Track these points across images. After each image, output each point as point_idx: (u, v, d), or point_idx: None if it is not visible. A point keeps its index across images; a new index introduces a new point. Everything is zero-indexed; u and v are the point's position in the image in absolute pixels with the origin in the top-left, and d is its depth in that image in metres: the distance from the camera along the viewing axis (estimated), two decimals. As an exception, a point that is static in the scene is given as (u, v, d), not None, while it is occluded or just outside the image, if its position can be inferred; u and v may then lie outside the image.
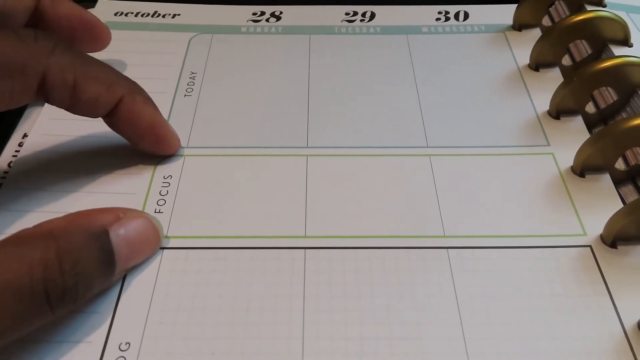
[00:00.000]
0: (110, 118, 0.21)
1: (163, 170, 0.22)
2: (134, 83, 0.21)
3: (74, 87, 0.19)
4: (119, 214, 0.18)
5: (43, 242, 0.15)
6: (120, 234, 0.17)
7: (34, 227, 0.17)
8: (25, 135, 0.23)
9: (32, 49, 0.18)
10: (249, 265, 0.19)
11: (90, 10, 0.30)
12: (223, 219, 0.20)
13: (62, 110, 0.20)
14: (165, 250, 0.19)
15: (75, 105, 0.20)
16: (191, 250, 0.19)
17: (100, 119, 0.21)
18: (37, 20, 0.23)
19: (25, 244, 0.15)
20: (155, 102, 0.22)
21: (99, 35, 0.25)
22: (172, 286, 0.18)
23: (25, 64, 0.18)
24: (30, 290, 0.15)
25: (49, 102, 0.20)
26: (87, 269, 0.16)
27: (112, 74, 0.20)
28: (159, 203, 0.21)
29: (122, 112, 0.20)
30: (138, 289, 0.18)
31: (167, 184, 0.21)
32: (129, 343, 0.17)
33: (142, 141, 0.21)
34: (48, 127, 0.23)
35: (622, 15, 0.26)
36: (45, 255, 0.15)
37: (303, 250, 0.19)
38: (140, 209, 0.20)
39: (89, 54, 0.21)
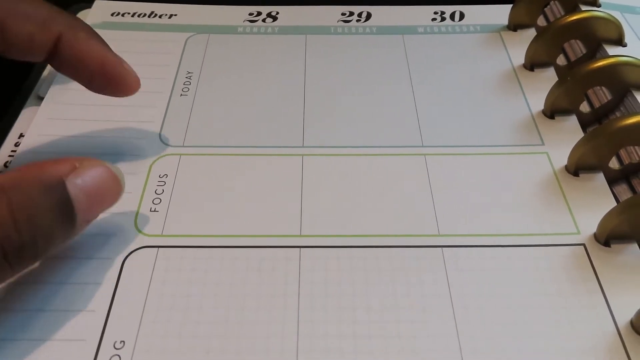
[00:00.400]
0: (52, 61, 0.19)
1: (159, 169, 0.22)
2: (75, 18, 0.19)
3: (1, 29, 0.18)
4: (75, 164, 0.16)
5: None
6: (77, 183, 0.16)
7: None
8: (21, 135, 0.23)
9: None
10: (244, 264, 0.19)
11: (87, 11, 0.30)
12: (218, 217, 0.20)
13: (59, 110, 0.19)
14: (160, 249, 0.19)
15: (9, 48, 0.18)
16: (186, 248, 0.19)
17: (96, 121, 0.20)
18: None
19: None
20: (147, 103, 0.21)
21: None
22: (167, 285, 0.18)
23: None
24: None
25: None
26: (44, 221, 0.15)
27: (46, 10, 0.19)
28: (155, 202, 0.21)
29: (63, 52, 0.19)
30: (133, 288, 0.18)
31: (163, 183, 0.21)
32: (123, 341, 0.17)
33: (92, 83, 0.20)
34: (44, 127, 0.23)
35: (617, 15, 0.26)
36: None
37: (298, 249, 0.20)
38: (136, 208, 0.21)
39: None
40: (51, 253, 0.17)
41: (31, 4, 0.18)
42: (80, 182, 0.16)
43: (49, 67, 0.27)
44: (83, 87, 0.21)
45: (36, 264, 0.16)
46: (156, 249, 0.19)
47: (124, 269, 0.19)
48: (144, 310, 0.18)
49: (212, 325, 0.17)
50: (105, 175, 0.17)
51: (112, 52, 0.20)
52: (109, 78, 0.20)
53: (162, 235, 0.20)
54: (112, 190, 0.18)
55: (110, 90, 0.20)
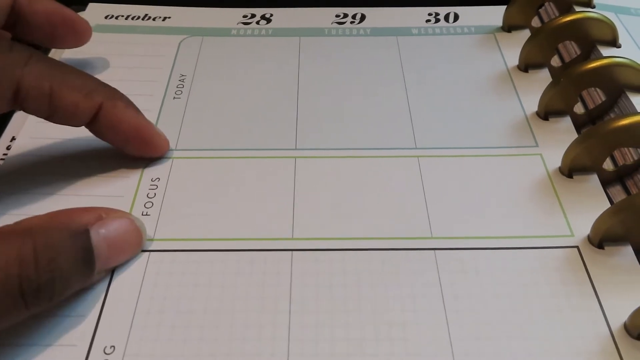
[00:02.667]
0: (92, 126, 0.21)
1: (151, 172, 0.22)
2: (113, 89, 0.21)
3: (50, 96, 0.19)
4: (101, 214, 0.18)
5: (21, 238, 0.15)
6: (101, 233, 0.17)
7: (15, 223, 0.17)
8: (13, 139, 0.23)
9: (7, 58, 0.18)
10: (236, 267, 0.19)
11: (81, 14, 0.30)
12: (210, 221, 0.20)
13: (43, 118, 0.20)
14: (151, 253, 0.19)
15: (54, 114, 0.20)
16: (178, 252, 0.19)
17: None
18: (15, 20, 0.23)
19: (3, 240, 0.15)
20: (143, 106, 0.22)
21: (78, 31, 0.25)
22: (158, 288, 0.18)
23: None
24: (4, 285, 0.15)
25: (26, 112, 0.20)
26: (64, 266, 0.16)
27: (89, 81, 0.20)
28: (147, 205, 0.21)
29: (103, 119, 0.20)
30: (124, 292, 0.18)
31: (155, 187, 0.21)
32: (113, 346, 0.17)
33: (128, 146, 0.21)
34: (36, 130, 0.23)
35: (611, 16, 0.26)
36: (22, 251, 0.15)
37: (290, 252, 0.19)
38: (128, 211, 0.20)
39: (70, 49, 0.21)
40: (66, 296, 0.17)
41: (79, 76, 0.20)
42: (104, 232, 0.17)
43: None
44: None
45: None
46: (147, 252, 0.19)
47: (115, 273, 0.19)
48: (134, 314, 0.18)
49: (202, 329, 0.17)
50: (128, 227, 0.18)
51: (146, 118, 0.22)
52: (142, 141, 0.21)
53: (153, 239, 0.20)
54: (133, 242, 0.19)
55: (143, 151, 0.22)
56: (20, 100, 0.19)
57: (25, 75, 0.19)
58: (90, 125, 0.21)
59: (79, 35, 0.25)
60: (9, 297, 0.15)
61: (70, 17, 0.24)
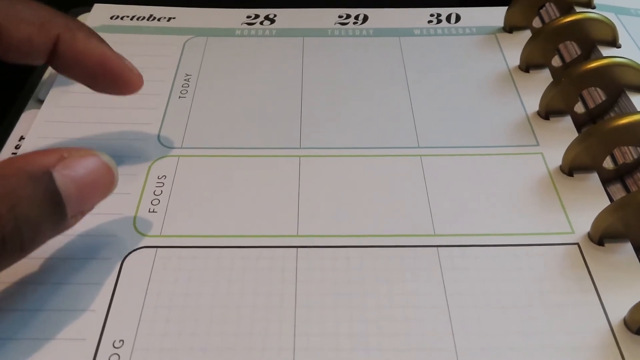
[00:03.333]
0: (54, 62, 0.19)
1: (157, 170, 0.22)
2: (71, 18, 0.19)
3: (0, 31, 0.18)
4: (63, 154, 0.16)
5: None
6: (65, 173, 0.16)
7: None
8: (22, 138, 0.24)
9: None
10: (242, 264, 0.19)
11: (86, 15, 0.30)
12: (216, 218, 0.21)
13: (59, 113, 0.20)
14: (159, 249, 0.20)
15: (8, 51, 0.18)
16: (185, 249, 0.20)
17: (95, 123, 0.20)
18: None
19: None
20: (149, 105, 0.21)
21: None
22: (165, 284, 0.19)
23: None
24: None
25: None
26: (29, 212, 0.15)
27: (42, 11, 0.19)
28: (153, 203, 0.21)
29: (63, 54, 0.19)
30: (132, 287, 0.18)
31: (162, 184, 0.22)
32: (122, 340, 0.17)
33: (95, 82, 0.20)
34: (44, 130, 0.24)
35: (611, 16, 0.27)
36: None
37: (295, 249, 0.20)
38: (135, 209, 0.21)
39: None
40: (40, 245, 0.16)
41: (29, 6, 0.18)
42: (69, 172, 0.16)
43: (49, 70, 0.27)
44: (82, 90, 0.21)
45: (25, 260, 0.16)
46: (155, 249, 0.20)
47: (123, 269, 0.19)
48: (142, 309, 0.18)
49: (209, 324, 0.18)
50: (96, 164, 0.17)
51: (112, 50, 0.20)
52: (110, 76, 0.20)
53: (160, 236, 0.20)
54: (105, 179, 0.17)
55: (113, 88, 0.20)
56: None
57: None
58: (51, 62, 0.19)
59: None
60: None
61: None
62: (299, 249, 0.20)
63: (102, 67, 0.19)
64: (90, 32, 0.19)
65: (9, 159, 0.16)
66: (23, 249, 0.15)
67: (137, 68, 0.27)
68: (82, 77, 0.20)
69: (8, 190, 0.15)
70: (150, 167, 0.22)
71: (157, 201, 0.21)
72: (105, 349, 0.17)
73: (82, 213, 0.17)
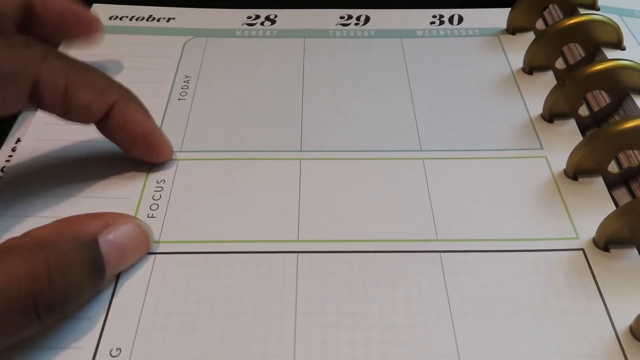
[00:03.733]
0: (102, 124, 0.21)
1: (156, 175, 0.22)
2: (127, 90, 0.21)
3: (65, 94, 0.19)
4: (108, 220, 0.18)
5: (31, 254, 0.15)
6: (108, 240, 0.17)
7: (22, 236, 0.17)
8: (18, 140, 0.23)
9: (24, 55, 0.18)
10: (241, 270, 0.19)
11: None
12: (216, 223, 0.20)
13: (56, 115, 0.20)
14: (157, 255, 0.19)
15: (68, 111, 0.20)
16: (184, 255, 0.19)
17: (93, 127, 0.21)
18: (27, 17, 0.23)
19: (12, 256, 0.15)
20: (148, 107, 0.22)
21: (90, 28, 0.25)
22: (164, 291, 0.18)
23: (17, 71, 0.18)
24: (18, 303, 0.15)
25: (41, 109, 0.20)
26: (76, 278, 0.16)
27: (104, 81, 0.20)
28: (152, 208, 0.21)
29: (114, 119, 0.20)
30: (130, 294, 0.18)
31: (160, 189, 0.21)
32: (120, 349, 0.17)
33: (133, 148, 0.21)
34: (41, 132, 0.23)
35: (615, 18, 0.26)
36: (34, 268, 0.15)
37: (296, 254, 0.19)
38: (133, 213, 0.20)
39: (83, 50, 0.21)
40: (78, 305, 0.17)
41: (93, 74, 0.20)
42: (112, 238, 0.17)
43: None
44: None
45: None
46: (153, 255, 0.19)
47: (121, 275, 0.19)
48: (140, 316, 0.18)
49: (209, 331, 0.17)
50: (135, 232, 0.18)
51: (155, 123, 0.22)
52: (148, 145, 0.21)
53: (159, 242, 0.20)
54: (141, 246, 0.19)
55: (148, 155, 0.22)
56: (37, 98, 0.19)
57: (43, 72, 0.18)
58: (100, 124, 0.21)
59: (91, 32, 0.25)
60: (23, 314, 0.15)
61: (83, 15, 0.24)
62: (299, 254, 0.19)
63: (144, 137, 0.21)
64: (140, 104, 0.21)
65: (60, 223, 0.17)
66: (65, 310, 0.16)
67: (136, 69, 0.27)
68: (123, 142, 0.21)
69: (62, 257, 0.16)
70: (149, 172, 0.22)
71: (156, 206, 0.21)
72: (103, 357, 0.17)
73: (115, 276, 0.18)
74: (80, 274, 0.16)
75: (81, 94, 0.19)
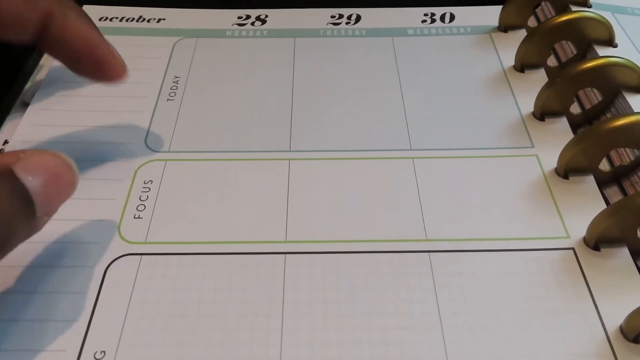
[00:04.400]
0: (42, 40, 0.19)
1: (144, 175, 0.22)
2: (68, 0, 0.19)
3: None
4: (20, 154, 0.16)
5: None
6: (26, 169, 0.15)
7: None
8: (6, 142, 0.23)
9: None
10: (229, 271, 0.19)
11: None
12: (203, 224, 0.20)
13: (44, 116, 0.19)
14: (143, 256, 0.19)
15: None
16: (170, 255, 0.19)
17: (82, 127, 0.20)
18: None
19: None
20: (134, 107, 0.21)
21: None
22: (149, 292, 0.18)
23: None
24: None
25: None
26: (3, 211, 0.14)
27: None
28: (139, 208, 0.21)
29: (52, 31, 0.18)
30: (115, 295, 0.18)
31: (148, 189, 0.21)
32: (104, 351, 0.17)
33: (79, 65, 0.19)
34: (29, 134, 0.23)
35: (607, 15, 0.26)
36: None
37: (283, 255, 0.19)
38: (120, 215, 0.20)
39: None
40: (16, 245, 0.16)
41: None
42: (30, 168, 0.15)
43: (35, 73, 0.26)
44: (68, 93, 0.21)
45: (4, 267, 0.16)
46: (139, 256, 0.19)
47: (106, 277, 0.18)
48: (125, 319, 0.17)
49: (195, 333, 0.17)
50: (54, 161, 0.16)
51: (101, 34, 0.19)
52: (95, 61, 0.19)
53: (145, 243, 0.19)
54: (67, 177, 0.16)
55: (95, 74, 0.20)
56: None
57: None
58: (40, 39, 0.19)
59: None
60: None
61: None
62: (287, 255, 0.19)
63: (89, 52, 0.19)
64: (82, 13, 0.19)
65: None
66: (3, 250, 0.15)
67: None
68: (67, 59, 0.19)
69: None
70: (136, 172, 0.22)
71: (143, 207, 0.21)
72: (87, 360, 0.17)
73: (49, 214, 0.16)
74: (4, 205, 0.14)
75: (7, 3, 0.17)
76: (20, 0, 0.18)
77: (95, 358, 0.17)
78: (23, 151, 0.16)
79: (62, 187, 0.16)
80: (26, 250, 0.16)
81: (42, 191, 0.16)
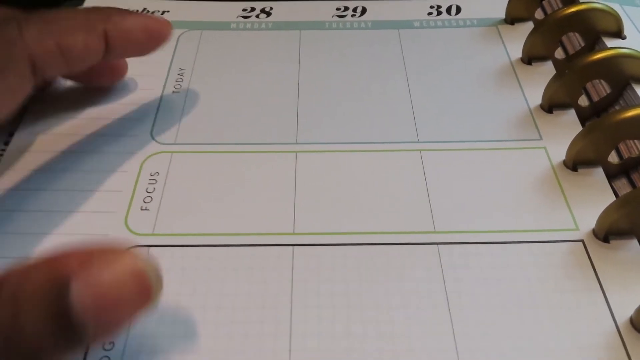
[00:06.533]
0: (110, 53, 0.20)
1: (150, 167, 0.22)
2: (103, 8, 0.20)
3: (59, 49, 0.18)
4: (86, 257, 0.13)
5: None
6: (87, 282, 0.12)
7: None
8: (11, 134, 0.23)
9: (5, 35, 0.17)
10: (236, 263, 0.19)
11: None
12: (210, 216, 0.20)
13: (50, 107, 0.19)
14: (150, 248, 0.19)
15: (72, 65, 0.19)
16: (177, 247, 0.19)
17: (87, 118, 0.20)
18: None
19: None
20: (139, 100, 0.21)
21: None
22: (157, 285, 0.18)
23: (10, 56, 0.17)
24: None
25: (47, 78, 0.19)
26: (27, 325, 0.12)
27: (82, 15, 0.19)
28: (146, 200, 0.20)
29: (113, 41, 0.19)
30: (123, 288, 0.18)
31: (154, 181, 0.21)
32: (112, 342, 0.17)
33: (147, 46, 0.21)
34: (34, 126, 0.23)
35: (615, 7, 0.26)
36: None
37: (291, 247, 0.19)
38: (126, 207, 0.20)
39: None
40: None
41: (71, 16, 0.19)
42: (91, 281, 0.13)
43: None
44: (73, 84, 0.21)
45: None
46: (147, 248, 0.19)
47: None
48: (133, 310, 0.17)
49: (203, 324, 0.17)
50: (128, 272, 0.13)
51: (142, 15, 0.21)
52: (152, 34, 0.21)
53: (152, 234, 0.19)
54: (136, 295, 0.13)
55: (156, 40, 0.21)
56: (38, 70, 0.18)
57: (28, 41, 0.17)
58: (106, 57, 0.20)
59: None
60: None
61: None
62: (295, 247, 0.19)
63: (146, 30, 0.20)
64: (121, 10, 0.20)
65: (30, 265, 0.13)
66: None
67: (130, 62, 0.26)
68: (136, 51, 0.21)
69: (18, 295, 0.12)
70: (142, 164, 0.22)
71: (150, 199, 0.21)
72: (95, 351, 0.16)
73: (104, 337, 0.14)
74: (35, 320, 0.12)
75: (73, 40, 0.18)
76: (80, 32, 0.18)
77: (104, 349, 0.17)
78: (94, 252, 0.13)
79: (123, 312, 0.13)
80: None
81: (94, 313, 0.13)
